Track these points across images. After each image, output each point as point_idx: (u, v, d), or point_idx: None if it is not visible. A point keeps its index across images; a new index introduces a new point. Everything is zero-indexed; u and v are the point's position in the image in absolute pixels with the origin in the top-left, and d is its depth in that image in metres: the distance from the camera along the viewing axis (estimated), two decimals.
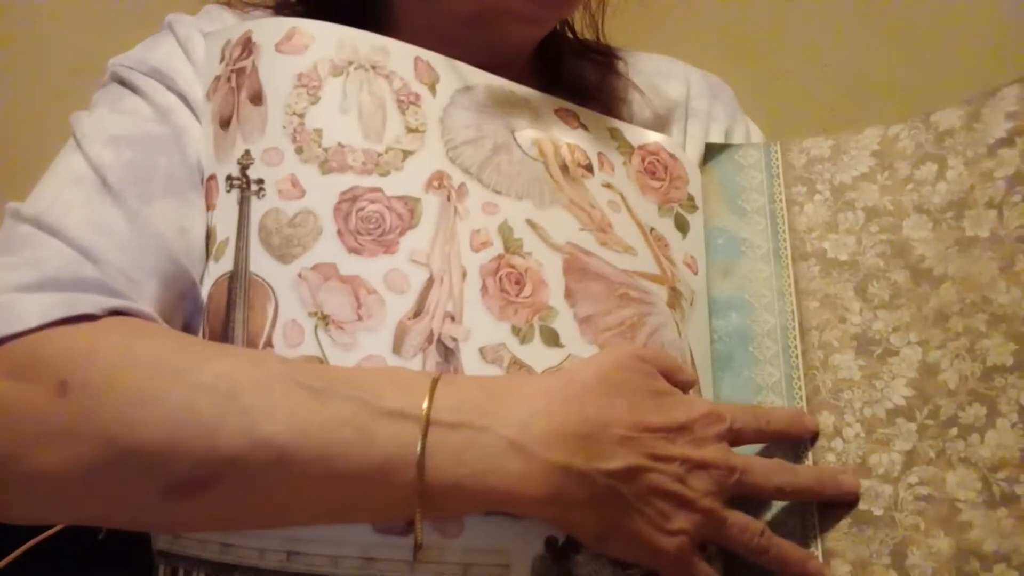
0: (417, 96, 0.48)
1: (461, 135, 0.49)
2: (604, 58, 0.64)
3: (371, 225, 0.44)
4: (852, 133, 0.57)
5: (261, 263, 0.42)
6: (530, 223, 0.48)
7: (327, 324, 0.41)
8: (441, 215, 0.46)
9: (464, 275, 0.45)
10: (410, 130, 0.47)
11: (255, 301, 0.42)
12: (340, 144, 0.45)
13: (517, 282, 0.46)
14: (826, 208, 0.57)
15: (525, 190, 0.49)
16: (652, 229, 0.55)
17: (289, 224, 0.43)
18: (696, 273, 0.55)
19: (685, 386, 0.45)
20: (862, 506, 0.49)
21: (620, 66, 0.64)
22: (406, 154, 0.46)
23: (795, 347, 0.54)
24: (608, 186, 0.54)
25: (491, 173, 0.49)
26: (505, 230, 0.47)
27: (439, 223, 0.45)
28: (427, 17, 0.55)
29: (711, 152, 0.60)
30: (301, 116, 0.45)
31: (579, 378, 0.40)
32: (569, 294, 0.48)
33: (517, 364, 0.45)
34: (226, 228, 0.44)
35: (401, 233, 0.44)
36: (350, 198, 0.44)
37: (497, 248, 0.47)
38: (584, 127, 0.55)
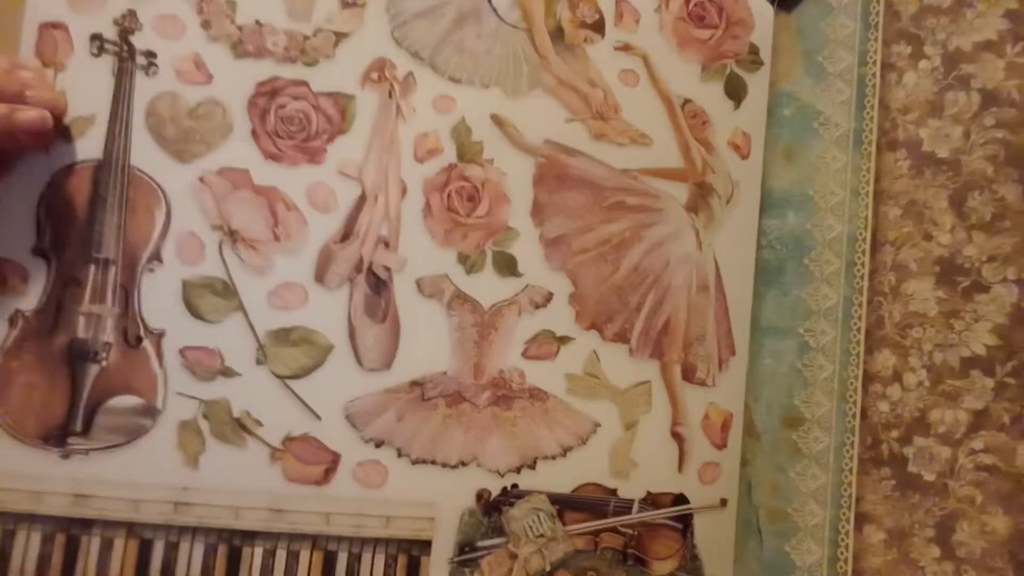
0: None
1: (413, 4, 0.42)
2: None
3: (293, 127, 0.41)
4: None
5: (149, 157, 0.40)
6: (496, 119, 0.43)
7: (235, 241, 0.40)
8: (380, 116, 0.41)
9: (404, 191, 0.42)
10: (346, 4, 0.41)
11: (138, 203, 0.40)
12: (258, 22, 0.41)
13: (470, 198, 0.42)
14: (932, 81, 0.44)
15: (494, 73, 0.43)
16: (687, 102, 0.46)
17: (190, 115, 0.41)
18: (746, 157, 0.46)
19: None
20: (911, 468, 0.45)
21: None
22: (339, 37, 0.41)
23: (863, 264, 0.46)
24: (625, 47, 0.46)
25: (449, 55, 0.42)
26: (461, 132, 0.42)
27: (376, 126, 0.41)
28: None
29: None
30: None
31: None
32: (537, 210, 0.43)
33: (460, 298, 0.42)
34: (90, 102, 0.40)
35: (329, 139, 0.41)
36: (268, 91, 0.41)
37: (448, 155, 0.42)
38: None
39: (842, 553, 0.44)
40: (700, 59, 0.46)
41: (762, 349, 0.46)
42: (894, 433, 0.44)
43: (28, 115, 0.36)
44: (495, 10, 0.44)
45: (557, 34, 0.44)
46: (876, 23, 0.46)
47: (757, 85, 0.47)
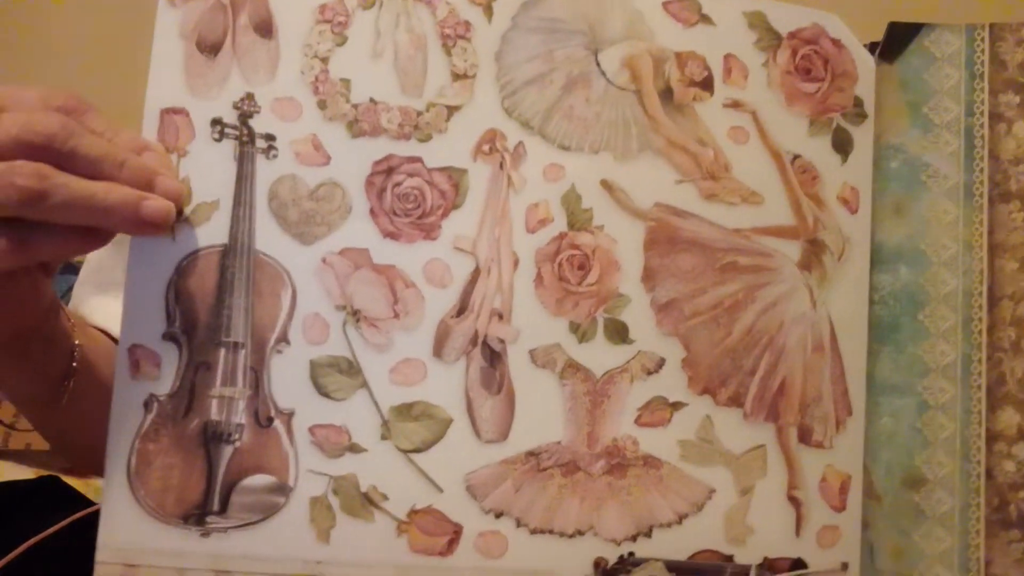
0: (467, 26, 0.47)
1: (522, 73, 0.47)
2: None
3: (409, 204, 0.46)
4: None
5: (273, 241, 0.45)
6: (606, 185, 0.47)
7: (358, 320, 0.45)
8: (491, 189, 0.46)
9: (516, 263, 0.46)
10: (457, 76, 0.46)
11: (263, 286, 0.45)
12: (372, 100, 0.46)
13: (581, 267, 0.47)
14: None
15: (604, 138, 0.48)
16: (796, 157, 0.50)
17: (310, 196, 0.45)
18: (855, 211, 0.50)
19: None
20: None
21: None
22: (451, 111, 0.46)
23: (980, 320, 0.51)
24: (735, 104, 0.50)
25: (559, 122, 0.47)
26: (571, 200, 0.47)
27: (488, 199, 0.46)
28: None
29: (894, 36, 0.51)
30: (324, 61, 0.46)
31: None
32: (648, 275, 0.48)
33: (573, 367, 0.46)
34: (213, 187, 0.44)
35: (444, 214, 0.46)
36: (385, 169, 0.46)
37: (559, 225, 0.47)
38: (708, 19, 0.50)
39: None
40: (808, 113, 0.51)
41: (879, 408, 0.50)
42: (1022, 494, 0.48)
43: (154, 206, 0.41)
44: (603, 73, 0.49)
45: (666, 94, 0.49)
46: (982, 72, 0.50)
47: (862, 138, 0.51)
